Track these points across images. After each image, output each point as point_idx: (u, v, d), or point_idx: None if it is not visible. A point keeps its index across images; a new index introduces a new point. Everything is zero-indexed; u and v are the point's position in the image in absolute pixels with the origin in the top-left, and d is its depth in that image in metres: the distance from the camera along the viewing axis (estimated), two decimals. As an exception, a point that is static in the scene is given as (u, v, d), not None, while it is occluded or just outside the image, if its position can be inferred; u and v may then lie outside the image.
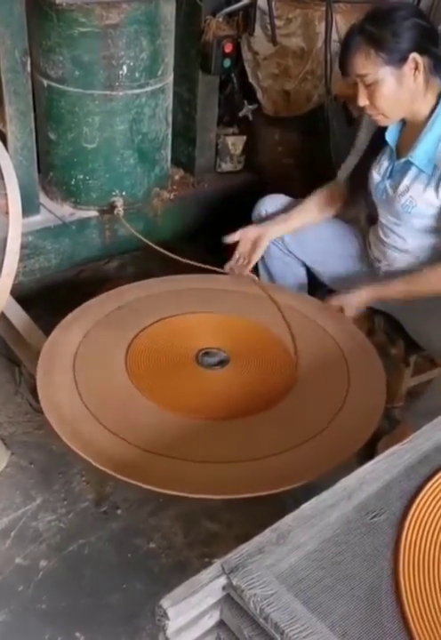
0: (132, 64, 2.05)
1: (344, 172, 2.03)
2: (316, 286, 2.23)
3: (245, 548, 0.89)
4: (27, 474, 1.81)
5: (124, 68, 2.04)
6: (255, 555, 0.88)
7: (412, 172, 1.77)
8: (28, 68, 1.96)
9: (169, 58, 2.19)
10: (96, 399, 1.56)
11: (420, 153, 1.73)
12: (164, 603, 0.82)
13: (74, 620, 1.48)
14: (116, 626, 1.48)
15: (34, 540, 1.63)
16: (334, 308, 1.89)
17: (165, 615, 0.82)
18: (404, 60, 1.62)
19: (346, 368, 1.72)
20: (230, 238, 2.02)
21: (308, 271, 2.18)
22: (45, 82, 2.10)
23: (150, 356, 1.72)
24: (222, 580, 0.86)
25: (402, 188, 1.79)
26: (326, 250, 2.12)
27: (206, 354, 1.72)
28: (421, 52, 1.63)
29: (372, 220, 2.03)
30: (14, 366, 2.14)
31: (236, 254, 2.03)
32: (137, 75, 2.08)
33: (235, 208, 2.34)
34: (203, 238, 2.56)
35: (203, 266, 2.03)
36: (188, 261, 2.04)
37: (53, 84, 2.08)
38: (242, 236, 2.02)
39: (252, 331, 1.84)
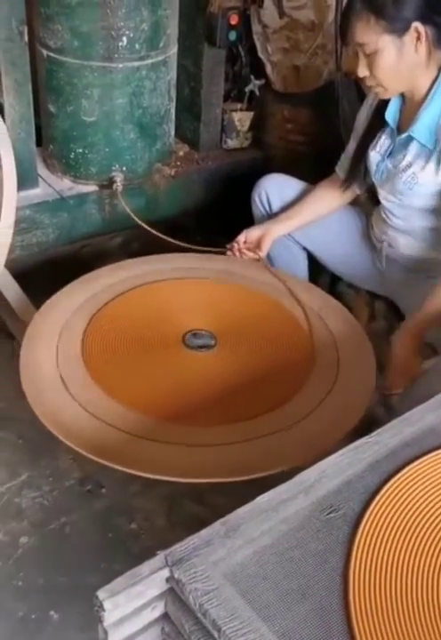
0: (131, 35, 1.99)
1: (345, 161, 1.97)
2: (318, 270, 2.18)
3: (193, 540, 0.87)
4: (14, 449, 1.80)
5: (124, 39, 1.99)
6: (202, 548, 0.86)
7: (413, 148, 1.71)
8: (25, 38, 1.91)
9: (172, 29, 2.13)
10: (77, 381, 1.54)
11: (422, 127, 1.67)
12: (101, 594, 0.80)
13: (49, 598, 1.47)
14: (92, 605, 1.46)
15: (16, 516, 1.62)
16: (399, 372, 1.73)
17: (102, 607, 0.79)
18: (405, 29, 1.55)
19: (336, 358, 1.68)
20: (232, 244, 2.00)
21: (309, 255, 2.13)
22: (45, 52, 2.06)
23: (124, 338, 1.69)
24: (165, 573, 0.84)
25: (404, 164, 1.73)
26: (329, 233, 2.06)
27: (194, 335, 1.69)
28: (424, 21, 1.55)
29: (376, 200, 1.97)
30: (12, 340, 2.13)
31: (242, 236, 2.00)
32: (137, 46, 2.02)
33: (241, 186, 2.28)
34: (209, 216, 2.51)
35: (200, 249, 2.00)
36: (182, 243, 2.02)
37: (52, 54, 2.04)
38: (246, 238, 1.99)
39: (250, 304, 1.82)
